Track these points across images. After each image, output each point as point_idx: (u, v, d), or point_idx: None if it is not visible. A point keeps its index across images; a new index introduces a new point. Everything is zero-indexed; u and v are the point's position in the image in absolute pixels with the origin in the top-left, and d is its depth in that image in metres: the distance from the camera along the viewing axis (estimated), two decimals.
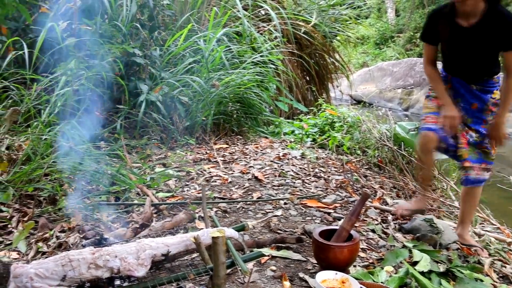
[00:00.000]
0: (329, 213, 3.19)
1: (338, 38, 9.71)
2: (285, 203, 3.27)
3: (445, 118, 2.77)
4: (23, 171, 3.01)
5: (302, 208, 3.24)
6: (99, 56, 4.38)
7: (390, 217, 3.23)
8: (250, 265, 2.29)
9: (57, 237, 2.65)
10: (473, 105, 2.84)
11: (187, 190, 3.46)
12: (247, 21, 6.31)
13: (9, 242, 2.61)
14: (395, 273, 2.33)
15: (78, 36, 4.47)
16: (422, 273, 2.27)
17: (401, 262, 2.47)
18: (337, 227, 2.38)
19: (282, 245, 2.59)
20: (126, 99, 4.72)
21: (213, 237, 1.66)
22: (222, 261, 1.69)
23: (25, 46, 4.04)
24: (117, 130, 4.48)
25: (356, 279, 2.07)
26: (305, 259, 2.49)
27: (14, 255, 2.48)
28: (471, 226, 3.18)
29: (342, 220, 2.34)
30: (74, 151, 3.40)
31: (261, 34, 6.78)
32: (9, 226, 2.73)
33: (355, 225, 2.88)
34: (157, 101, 4.66)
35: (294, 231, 2.86)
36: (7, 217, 2.79)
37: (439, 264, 2.43)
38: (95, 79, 4.26)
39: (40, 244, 2.57)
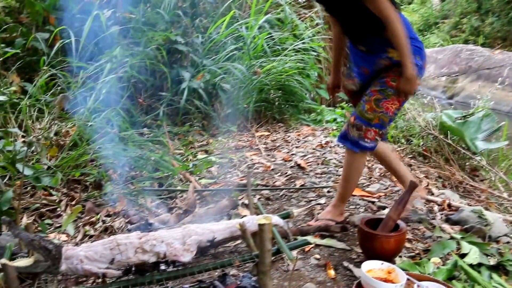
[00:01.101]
0: (373, 202, 3.13)
1: None
2: (328, 191, 3.23)
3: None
4: (70, 157, 3.08)
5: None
6: (142, 44, 4.42)
7: (436, 208, 3.14)
8: (294, 253, 2.27)
9: (103, 221, 2.70)
10: (363, 68, 2.50)
11: (230, 177, 3.46)
12: (288, 7, 6.24)
13: (59, 225, 2.68)
14: (443, 265, 2.26)
15: (122, 24, 4.52)
16: (471, 265, 2.20)
17: (448, 254, 2.39)
18: (383, 217, 2.33)
19: (326, 233, 2.56)
20: (168, 86, 4.76)
21: (259, 224, 1.65)
22: (268, 248, 1.67)
23: (71, 34, 4.11)
24: (160, 117, 4.53)
25: (402, 269, 2.02)
26: (349, 248, 2.45)
27: (63, 237, 2.55)
28: None
29: (389, 209, 2.28)
30: (118, 137, 3.45)
31: (302, 21, 6.69)
32: (58, 209, 2.80)
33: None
34: (199, 88, 4.68)
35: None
36: (56, 201, 2.86)
37: (489, 257, 2.34)
38: (138, 67, 4.31)
39: (87, 227, 2.63)
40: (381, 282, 1.86)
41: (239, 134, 4.80)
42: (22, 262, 1.63)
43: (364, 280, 1.94)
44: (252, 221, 1.94)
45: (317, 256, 2.31)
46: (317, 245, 2.42)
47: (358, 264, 2.28)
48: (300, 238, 2.29)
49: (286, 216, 2.05)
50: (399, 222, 2.26)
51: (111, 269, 1.66)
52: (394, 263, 2.19)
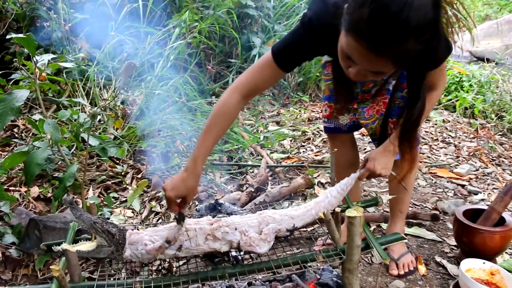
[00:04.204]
0: (463, 186, 2.80)
1: None
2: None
3: None
4: (137, 127, 2.94)
5: (431, 178, 2.87)
6: (211, 7, 4.19)
7: None
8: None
9: None
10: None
11: (303, 151, 3.21)
12: None
13: (124, 199, 2.55)
14: None
15: None
16: None
17: None
18: (483, 207, 2.01)
19: (414, 221, 2.28)
20: (238, 53, 4.52)
21: (349, 217, 1.40)
22: (358, 244, 1.43)
23: None
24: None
25: (508, 271, 1.72)
26: (440, 240, 2.16)
27: (129, 213, 2.42)
28: None
29: (493, 199, 1.95)
30: (186, 107, 3.28)
31: None
32: (123, 183, 2.67)
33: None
34: None
35: (425, 205, 2.52)
36: (122, 174, 2.74)
37: None
38: (207, 32, 4.10)
39: (153, 203, 2.49)
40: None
41: (312, 105, 4.52)
42: (85, 246, 1.48)
43: (463, 282, 1.67)
44: (327, 199, 1.68)
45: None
46: (404, 234, 2.15)
47: (452, 260, 2.00)
48: (393, 232, 2.02)
49: (374, 204, 1.78)
50: (505, 215, 1.93)
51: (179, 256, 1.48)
52: (495, 262, 1.89)
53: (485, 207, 1.98)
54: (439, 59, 1.39)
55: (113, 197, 2.54)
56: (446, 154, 3.33)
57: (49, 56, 2.03)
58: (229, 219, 1.58)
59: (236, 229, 1.54)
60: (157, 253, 1.47)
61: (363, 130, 2.35)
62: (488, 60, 7.53)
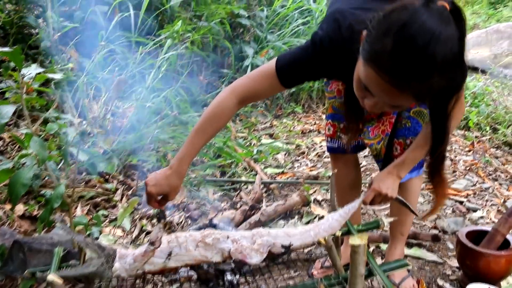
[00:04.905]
0: (461, 202, 2.74)
1: None
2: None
3: None
4: (127, 141, 2.85)
5: (429, 194, 2.81)
6: (204, 17, 4.12)
7: None
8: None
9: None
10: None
11: (298, 166, 3.15)
12: None
13: (114, 216, 2.47)
14: None
15: None
16: None
17: None
18: (486, 228, 1.95)
19: (414, 241, 2.21)
20: (230, 63, 4.46)
21: (353, 245, 1.33)
22: (361, 273, 1.36)
23: (130, 7, 3.86)
24: None
25: None
26: (441, 261, 2.10)
27: (119, 232, 2.33)
28: None
29: (497, 221, 1.90)
30: (178, 120, 3.20)
31: None
32: (113, 199, 2.58)
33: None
34: None
35: (423, 223, 2.46)
36: (112, 190, 2.65)
37: None
38: (200, 42, 4.03)
39: (144, 221, 2.41)
40: None
41: (305, 116, 4.46)
42: (72, 270, 1.41)
43: None
44: (328, 222, 1.61)
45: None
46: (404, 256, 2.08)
47: (454, 283, 1.94)
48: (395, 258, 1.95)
49: (375, 227, 1.72)
50: (510, 238, 1.87)
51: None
52: (500, 286, 1.84)
53: (488, 229, 1.92)
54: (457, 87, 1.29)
55: (103, 215, 2.45)
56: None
57: (37, 70, 1.95)
58: (223, 231, 1.53)
59: (228, 237, 1.48)
60: (144, 259, 1.40)
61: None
62: (476, 70, 7.54)
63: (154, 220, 2.37)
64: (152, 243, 1.39)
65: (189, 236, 1.47)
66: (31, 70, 1.94)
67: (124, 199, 2.58)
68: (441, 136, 1.32)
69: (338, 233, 1.62)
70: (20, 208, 2.35)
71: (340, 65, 1.33)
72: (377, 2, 1.31)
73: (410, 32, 1.02)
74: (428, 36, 1.00)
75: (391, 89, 1.08)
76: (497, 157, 3.76)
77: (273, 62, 1.42)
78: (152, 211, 2.45)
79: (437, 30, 1.01)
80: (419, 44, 1.01)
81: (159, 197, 1.46)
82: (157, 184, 1.42)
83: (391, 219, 1.77)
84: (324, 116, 4.32)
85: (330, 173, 2.94)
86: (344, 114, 1.69)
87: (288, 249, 1.51)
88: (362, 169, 3.09)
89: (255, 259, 1.46)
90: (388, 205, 2.59)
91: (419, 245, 2.20)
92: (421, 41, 1.01)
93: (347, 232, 1.70)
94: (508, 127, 4.16)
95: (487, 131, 4.27)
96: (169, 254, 1.43)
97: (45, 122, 2.92)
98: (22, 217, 2.32)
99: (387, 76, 1.07)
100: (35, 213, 2.36)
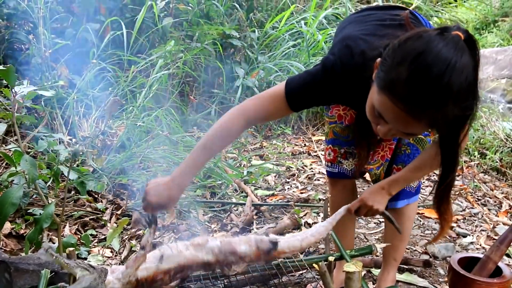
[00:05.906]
0: (451, 227, 2.75)
1: (436, 20, 8.92)
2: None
3: None
4: (118, 160, 2.83)
5: (419, 219, 2.82)
6: (196, 38, 4.14)
7: None
8: None
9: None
10: None
11: (288, 188, 3.14)
12: (348, 3, 5.84)
13: (103, 236, 2.43)
14: None
15: (176, 16, 4.26)
16: None
17: None
18: (478, 255, 1.95)
19: (405, 266, 2.21)
20: (221, 83, 4.47)
21: (347, 272, 1.32)
22: None
23: (123, 26, 3.86)
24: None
25: None
26: (432, 287, 2.10)
27: (108, 252, 2.30)
28: None
29: (488, 248, 1.90)
30: (169, 140, 3.19)
31: None
32: (103, 218, 2.55)
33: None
34: (253, 87, 4.37)
35: (414, 248, 2.46)
36: (101, 210, 2.61)
37: None
38: (191, 62, 4.04)
39: (133, 242, 2.37)
40: None
41: (295, 138, 4.47)
42: None
43: None
44: (315, 228, 1.62)
45: None
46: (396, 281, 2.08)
47: None
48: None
49: (368, 252, 1.71)
50: (501, 265, 1.87)
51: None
52: None
53: (480, 255, 1.92)
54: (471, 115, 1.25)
55: (91, 235, 2.42)
56: (432, 193, 3.29)
57: (29, 88, 1.93)
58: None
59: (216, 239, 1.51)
60: (136, 265, 1.40)
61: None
62: None
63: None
64: (142, 248, 1.39)
65: (178, 243, 1.49)
66: (23, 88, 1.92)
67: (114, 218, 2.55)
68: (452, 163, 1.32)
69: (331, 258, 1.62)
70: (7, 226, 2.31)
71: (351, 91, 1.34)
72: (390, 29, 1.32)
73: (426, 61, 1.03)
74: (444, 65, 1.02)
75: (406, 117, 1.09)
76: (485, 182, 3.79)
77: (282, 85, 1.42)
78: (141, 231, 2.42)
79: (453, 59, 1.02)
80: (435, 73, 1.02)
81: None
82: (157, 195, 1.41)
83: (384, 245, 1.77)
84: (314, 139, 4.33)
85: (320, 196, 2.94)
86: (355, 141, 1.70)
87: (275, 245, 1.52)
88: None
89: (243, 247, 1.47)
90: (381, 228, 2.60)
91: (411, 271, 2.20)
92: (437, 70, 1.01)
93: (340, 258, 1.70)
94: (495, 153, 4.20)
95: (475, 156, 4.31)
96: (161, 257, 1.43)
97: (35, 137, 2.90)
98: (9, 235, 2.28)
99: (402, 104, 1.07)
100: (22, 231, 2.32)
